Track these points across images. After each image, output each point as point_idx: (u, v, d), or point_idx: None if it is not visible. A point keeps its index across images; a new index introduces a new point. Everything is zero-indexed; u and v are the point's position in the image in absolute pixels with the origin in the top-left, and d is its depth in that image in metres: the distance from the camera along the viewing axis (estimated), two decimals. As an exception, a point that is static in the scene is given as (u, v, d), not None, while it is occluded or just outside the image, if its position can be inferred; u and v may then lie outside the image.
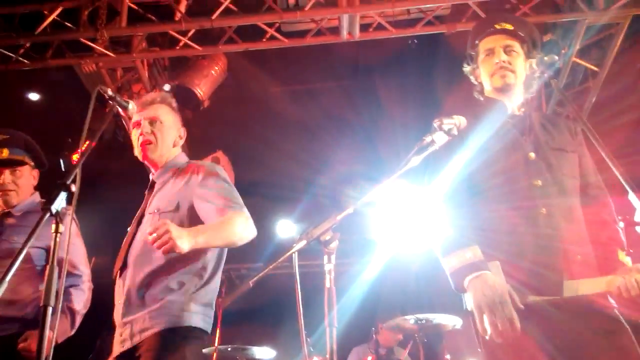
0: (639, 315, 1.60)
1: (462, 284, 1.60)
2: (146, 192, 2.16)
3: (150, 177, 2.17)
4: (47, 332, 1.35)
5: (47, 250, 2.28)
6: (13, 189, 2.41)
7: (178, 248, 1.66)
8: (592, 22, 4.13)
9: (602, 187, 1.81)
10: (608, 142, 1.46)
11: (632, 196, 1.24)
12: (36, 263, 2.30)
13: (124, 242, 2.03)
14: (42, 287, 1.42)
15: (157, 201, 2.02)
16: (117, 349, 1.85)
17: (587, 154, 1.84)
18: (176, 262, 1.86)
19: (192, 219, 1.91)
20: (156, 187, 2.10)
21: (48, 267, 1.41)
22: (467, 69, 2.00)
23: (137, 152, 2.13)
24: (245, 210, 1.97)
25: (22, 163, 2.45)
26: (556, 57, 1.64)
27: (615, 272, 1.60)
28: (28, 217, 2.36)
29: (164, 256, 1.82)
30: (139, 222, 2.04)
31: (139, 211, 2.10)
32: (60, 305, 1.42)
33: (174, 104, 2.22)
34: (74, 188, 1.51)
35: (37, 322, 2.08)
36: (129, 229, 2.11)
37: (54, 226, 1.45)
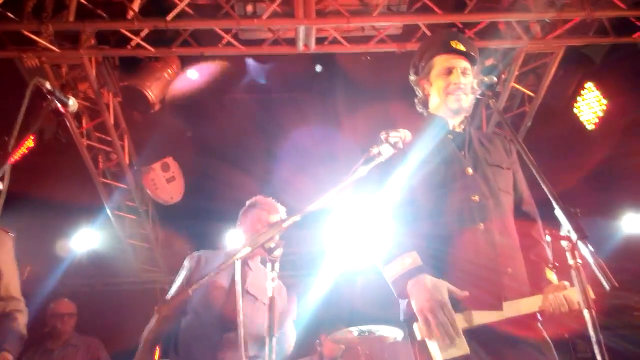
0: (562, 330, 1.70)
1: (404, 291, 1.62)
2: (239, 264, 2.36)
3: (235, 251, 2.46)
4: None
5: None
6: None
7: None
8: (530, 50, 4.43)
9: (533, 204, 1.90)
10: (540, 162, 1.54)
11: (557, 211, 1.32)
12: None
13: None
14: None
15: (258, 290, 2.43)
16: None
17: (521, 172, 1.92)
18: None
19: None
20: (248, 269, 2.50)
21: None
22: (412, 78, 2.04)
23: None
24: None
25: None
26: (495, 79, 1.72)
27: (544, 289, 1.69)
28: None
29: None
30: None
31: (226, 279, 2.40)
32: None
33: None
34: (0, 186, 1.43)
35: None
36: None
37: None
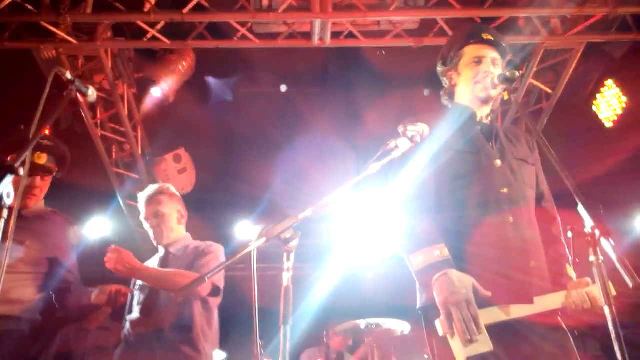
0: (574, 327, 1.69)
1: (429, 282, 1.60)
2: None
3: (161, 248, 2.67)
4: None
5: (51, 259, 2.40)
6: (37, 194, 2.45)
7: None
8: (550, 46, 4.36)
9: (553, 201, 1.89)
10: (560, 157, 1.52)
11: (580, 207, 1.30)
12: (42, 270, 2.38)
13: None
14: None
15: None
16: None
17: (542, 170, 1.91)
18: None
19: None
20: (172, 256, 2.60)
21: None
22: (440, 69, 2.01)
23: None
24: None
25: (52, 172, 2.48)
26: (517, 73, 1.70)
27: (565, 286, 1.68)
28: (37, 221, 2.43)
29: None
30: None
31: None
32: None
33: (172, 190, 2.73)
34: (22, 171, 1.44)
35: (37, 320, 2.31)
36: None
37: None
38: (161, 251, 2.66)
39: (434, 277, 1.59)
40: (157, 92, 4.84)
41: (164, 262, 2.59)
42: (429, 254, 1.62)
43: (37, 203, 2.48)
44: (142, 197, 2.67)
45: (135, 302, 2.54)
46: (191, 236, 2.75)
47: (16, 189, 1.43)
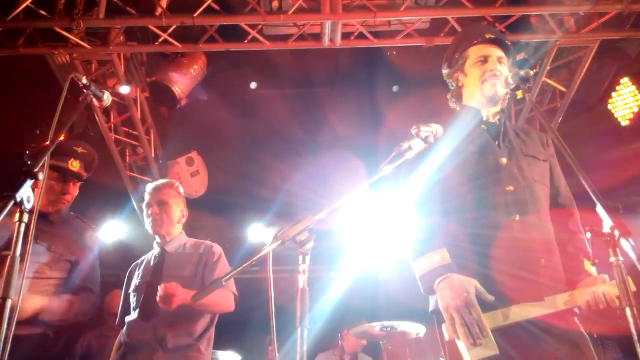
0: (591, 330, 1.66)
1: (431, 287, 1.62)
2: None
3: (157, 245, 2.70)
4: (5, 325, 1.29)
5: (72, 264, 2.46)
6: (69, 199, 2.54)
7: None
8: (563, 44, 4.31)
9: (571, 197, 1.87)
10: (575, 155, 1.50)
11: (599, 207, 1.29)
12: (64, 275, 2.44)
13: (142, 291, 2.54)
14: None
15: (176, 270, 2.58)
16: None
17: (558, 166, 1.90)
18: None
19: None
20: (167, 254, 2.64)
21: (9, 257, 1.36)
22: (446, 71, 2.03)
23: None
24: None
25: (82, 178, 2.57)
26: (531, 72, 1.69)
27: (582, 282, 1.65)
28: (63, 226, 2.52)
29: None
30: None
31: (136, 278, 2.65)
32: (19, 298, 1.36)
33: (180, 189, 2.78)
34: (41, 176, 1.46)
35: (57, 325, 2.36)
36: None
37: (17, 215, 1.39)
38: (156, 249, 2.69)
39: (435, 283, 1.59)
40: (125, 90, 4.82)
41: (159, 261, 2.61)
42: (430, 259, 1.63)
43: (67, 208, 2.57)
44: (150, 185, 2.74)
45: (133, 305, 2.56)
46: (200, 237, 2.79)
47: (36, 193, 1.46)
